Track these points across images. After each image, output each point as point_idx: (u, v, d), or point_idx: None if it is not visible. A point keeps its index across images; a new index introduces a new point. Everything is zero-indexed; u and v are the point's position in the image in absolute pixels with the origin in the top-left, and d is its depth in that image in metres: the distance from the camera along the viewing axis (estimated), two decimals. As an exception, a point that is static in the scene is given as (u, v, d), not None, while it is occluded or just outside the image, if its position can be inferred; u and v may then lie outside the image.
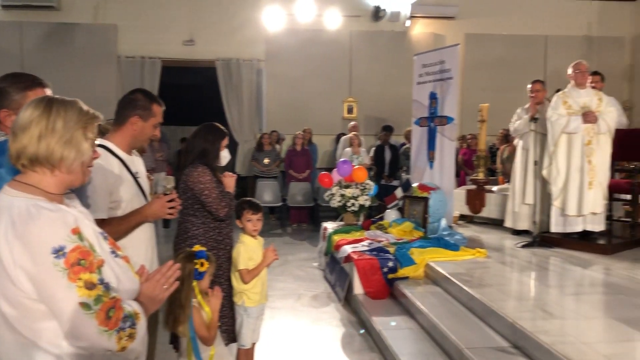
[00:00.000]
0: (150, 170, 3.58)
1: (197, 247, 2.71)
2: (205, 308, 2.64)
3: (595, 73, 6.86)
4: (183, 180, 3.33)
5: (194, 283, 2.61)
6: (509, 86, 10.45)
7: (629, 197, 6.26)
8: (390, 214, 6.80)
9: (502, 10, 11.49)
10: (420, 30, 11.63)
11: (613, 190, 6.04)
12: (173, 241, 3.46)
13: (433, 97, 6.82)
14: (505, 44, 11.51)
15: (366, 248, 5.69)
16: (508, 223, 6.56)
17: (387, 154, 9.81)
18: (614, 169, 6.28)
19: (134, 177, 2.64)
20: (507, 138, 8.90)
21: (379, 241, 5.92)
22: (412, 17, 11.37)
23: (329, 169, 8.12)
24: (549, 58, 11.49)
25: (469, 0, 11.48)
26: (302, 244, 8.55)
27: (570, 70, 5.96)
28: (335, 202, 7.10)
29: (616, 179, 6.48)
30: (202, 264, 2.63)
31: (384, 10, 11.19)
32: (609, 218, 6.03)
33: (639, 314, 3.78)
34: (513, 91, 9.69)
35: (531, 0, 11.52)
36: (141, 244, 2.64)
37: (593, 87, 6.19)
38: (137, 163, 2.76)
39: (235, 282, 3.40)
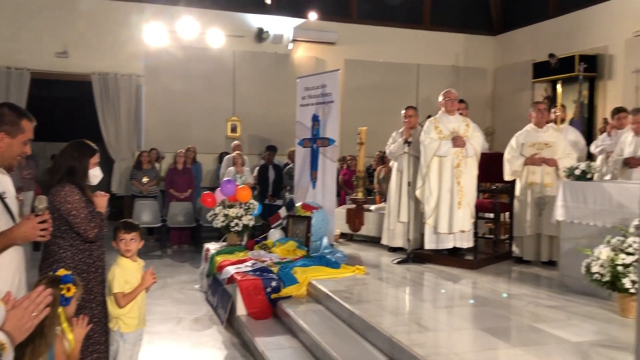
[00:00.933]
0: (18, 189, 3.32)
1: (62, 271, 2.54)
2: (69, 335, 2.48)
3: (461, 101, 7.44)
4: (49, 200, 3.13)
5: (60, 309, 2.44)
6: (385, 110, 10.98)
7: (491, 215, 6.81)
8: (274, 234, 6.83)
9: (378, 39, 12.12)
10: (302, 53, 11.92)
11: (478, 209, 6.54)
12: (38, 266, 3.21)
13: (315, 119, 7.01)
14: (382, 70, 12.11)
15: (250, 268, 5.66)
16: (384, 240, 6.87)
17: (271, 174, 9.87)
18: (479, 189, 6.81)
19: (1, 197, 2.44)
20: (383, 159, 9.34)
21: (263, 261, 5.92)
22: (294, 40, 11.64)
23: (213, 189, 8.01)
24: (421, 85, 12.27)
25: (347, 28, 11.99)
26: (183, 265, 8.31)
27: (440, 98, 6.40)
28: (219, 222, 7.00)
29: (480, 198, 7.03)
30: (68, 289, 2.47)
31: (267, 32, 11.35)
32: (475, 235, 6.51)
33: (501, 323, 4.12)
34: (389, 115, 10.20)
35: (404, 31, 12.27)
36: (7, 268, 2.44)
37: (461, 114, 6.71)
38: (5, 182, 2.55)
39: (111, 306, 3.24)
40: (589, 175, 4.96)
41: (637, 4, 8.67)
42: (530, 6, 12.00)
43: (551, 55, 10.17)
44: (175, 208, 9.58)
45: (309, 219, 6.42)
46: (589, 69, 9.62)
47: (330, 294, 4.84)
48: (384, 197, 8.00)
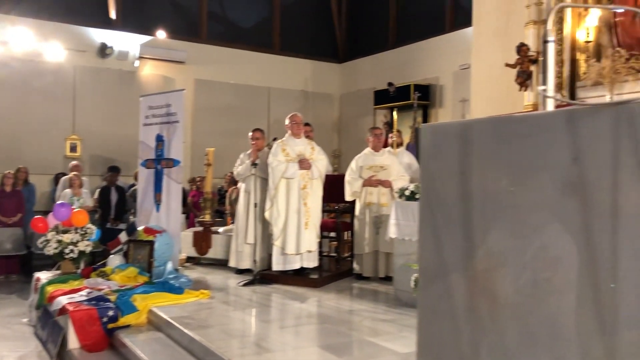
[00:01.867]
0: None
1: None
2: None
3: (306, 124, 7.70)
4: None
5: None
6: (237, 131, 10.97)
7: (334, 234, 7.09)
8: (114, 260, 6.47)
9: (229, 60, 12.15)
10: (150, 71, 11.56)
11: (323, 229, 6.76)
12: None
13: (160, 139, 6.81)
14: (233, 92, 12.13)
15: (84, 298, 5.29)
16: (232, 263, 6.83)
17: (114, 196, 9.37)
18: (324, 210, 7.05)
19: None
20: (234, 180, 9.31)
21: (100, 289, 5.57)
22: (141, 57, 11.25)
23: (48, 212, 7.39)
24: (272, 108, 12.48)
25: (197, 48, 11.86)
26: (10, 298, 7.54)
27: (287, 121, 6.57)
28: (51, 249, 6.47)
29: (325, 218, 7.28)
30: None
31: (111, 47, 10.85)
32: (320, 254, 6.72)
33: (340, 339, 4.27)
34: (241, 136, 10.17)
35: (256, 55, 12.44)
36: None
37: (307, 137, 6.93)
38: None
39: None
40: (417, 196, 5.37)
41: (462, 41, 9.62)
42: (373, 37, 12.80)
43: (390, 84, 10.90)
44: (2, 234, 8.70)
45: (151, 243, 6.18)
46: (423, 97, 10.44)
47: (170, 320, 4.68)
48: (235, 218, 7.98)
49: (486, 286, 1.27)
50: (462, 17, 10.01)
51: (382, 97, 11.37)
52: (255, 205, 6.46)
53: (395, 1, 12.20)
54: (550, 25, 1.52)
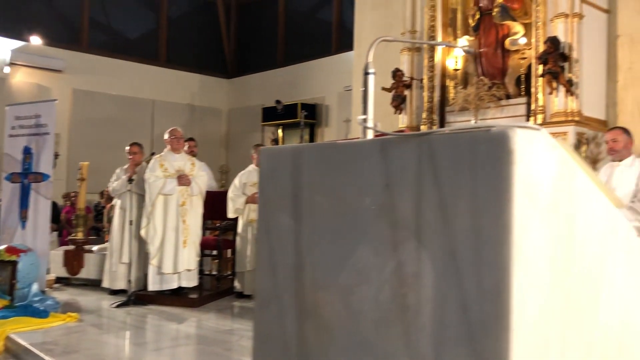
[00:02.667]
0: None
1: None
2: None
3: (190, 139, 7.57)
4: None
5: None
6: (118, 145, 10.44)
7: (216, 252, 6.99)
8: (-30, 282, 5.92)
9: (112, 71, 11.68)
10: (22, 79, 10.82)
11: (204, 247, 6.64)
12: None
13: (27, 152, 6.37)
14: (115, 103, 11.66)
15: None
16: (106, 283, 6.51)
17: (-24, 213, 8.61)
18: (205, 227, 6.93)
19: None
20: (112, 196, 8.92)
21: (-50, 315, 5.08)
22: (12, 64, 10.51)
23: None
24: (157, 121, 12.13)
25: (77, 56, 11.30)
26: None
27: (166, 136, 6.41)
28: None
29: (207, 236, 7.15)
30: None
31: (-23, 51, 10.05)
32: (201, 272, 6.58)
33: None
34: (123, 150, 9.82)
35: (140, 66, 12.06)
36: None
37: (191, 152, 6.81)
38: None
39: None
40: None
41: (347, 63, 9.95)
42: (262, 54, 12.89)
43: (278, 102, 11.02)
44: None
45: (14, 263, 5.73)
46: (310, 116, 10.65)
47: (29, 347, 4.36)
48: (111, 236, 7.62)
49: (314, 311, 1.31)
50: (346, 40, 10.36)
51: (270, 114, 11.46)
52: (131, 222, 6.22)
53: (284, 21, 12.40)
54: (371, 58, 1.62)
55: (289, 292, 1.34)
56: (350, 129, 8.93)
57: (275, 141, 10.99)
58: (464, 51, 2.81)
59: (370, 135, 1.53)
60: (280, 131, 11.41)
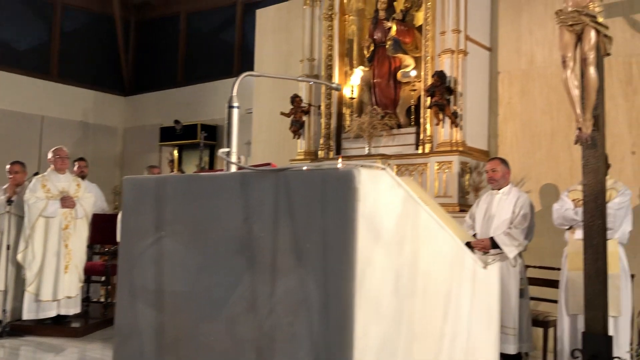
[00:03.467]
0: None
1: None
2: None
3: (80, 159, 7.22)
4: None
5: None
6: (1, 163, 9.83)
7: (104, 278, 6.66)
8: None
9: (-4, 83, 10.93)
10: None
11: (90, 272, 6.30)
12: None
13: None
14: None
15: None
16: (-23, 313, 5.98)
17: None
18: (92, 252, 6.59)
19: None
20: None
21: None
22: None
23: None
24: (45, 138, 11.44)
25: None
26: None
27: (50, 155, 6.07)
28: None
29: (95, 261, 6.81)
30: None
31: None
32: (88, 300, 6.24)
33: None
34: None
35: (28, 79, 11.38)
36: None
37: (81, 172, 6.48)
38: None
39: None
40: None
41: (248, 86, 9.95)
42: (161, 73, 12.60)
43: (177, 122, 10.79)
44: None
45: None
46: (210, 137, 10.47)
47: None
48: None
49: (174, 345, 1.28)
50: (248, 62, 10.37)
51: (169, 134, 11.19)
52: (8, 247, 5.79)
53: (185, 40, 12.22)
54: (235, 92, 1.63)
55: (150, 327, 1.30)
56: (251, 151, 8.90)
57: (173, 162, 10.72)
58: (331, 88, 2.89)
59: (233, 168, 1.54)
60: (176, 152, 11.16)
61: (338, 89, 2.86)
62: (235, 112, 1.61)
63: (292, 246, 1.12)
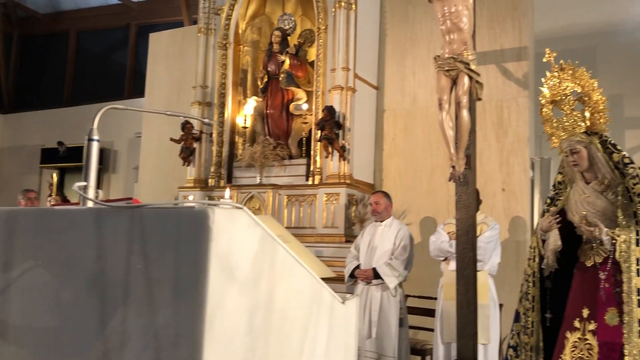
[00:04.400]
0: None
1: None
2: None
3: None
4: None
5: None
6: None
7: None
8: None
9: None
10: None
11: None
12: None
13: None
14: None
15: None
16: None
17: None
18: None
19: None
20: None
21: None
22: None
23: None
24: None
25: None
26: None
27: None
28: None
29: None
30: None
31: None
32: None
33: None
34: None
35: None
36: None
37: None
38: None
39: None
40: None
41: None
42: (45, 91, 11.95)
43: (60, 143, 10.24)
44: None
45: None
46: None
47: None
48: None
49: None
50: (140, 85, 10.11)
51: (51, 156, 10.59)
52: None
53: (74, 58, 11.71)
54: (96, 124, 1.61)
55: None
56: (139, 176, 8.61)
57: (52, 185, 10.10)
58: (203, 123, 2.91)
59: (90, 203, 1.49)
60: (55, 175, 10.54)
61: (210, 124, 2.87)
62: (95, 145, 1.57)
63: (144, 286, 1.11)
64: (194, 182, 6.90)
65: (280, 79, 6.76)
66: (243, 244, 1.16)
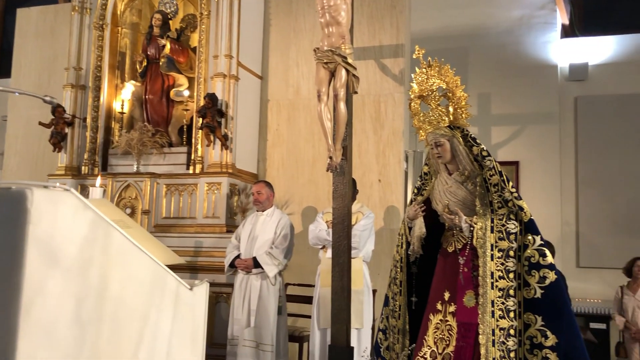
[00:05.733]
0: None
1: None
2: None
3: None
4: None
5: None
6: None
7: None
8: None
9: None
10: None
11: None
12: None
13: None
14: None
15: None
16: None
17: None
18: None
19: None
20: None
21: None
22: None
23: None
24: None
25: None
26: None
27: None
28: None
29: None
30: None
31: None
32: None
33: None
34: None
35: None
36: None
37: None
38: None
39: None
40: None
41: (3, 92, 8.92)
42: None
43: None
44: None
45: None
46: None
47: None
48: None
49: None
50: (6, 64, 9.33)
51: None
52: None
53: None
54: None
55: None
56: (4, 163, 7.95)
57: None
58: (45, 101, 2.73)
59: None
60: None
61: (52, 103, 2.67)
62: None
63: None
64: (65, 170, 6.49)
65: (161, 63, 6.52)
66: (69, 228, 1.09)
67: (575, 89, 7.30)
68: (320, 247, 5.14)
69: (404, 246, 3.74)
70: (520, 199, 3.28)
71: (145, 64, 6.61)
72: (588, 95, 7.23)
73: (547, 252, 3.19)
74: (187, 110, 6.43)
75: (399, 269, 3.77)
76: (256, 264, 5.13)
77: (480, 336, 3.18)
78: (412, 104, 3.70)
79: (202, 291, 1.43)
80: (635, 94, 7.05)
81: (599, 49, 7.27)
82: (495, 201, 3.33)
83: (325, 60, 4.33)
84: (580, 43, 7.28)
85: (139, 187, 6.12)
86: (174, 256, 1.96)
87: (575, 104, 7.29)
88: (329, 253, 4.87)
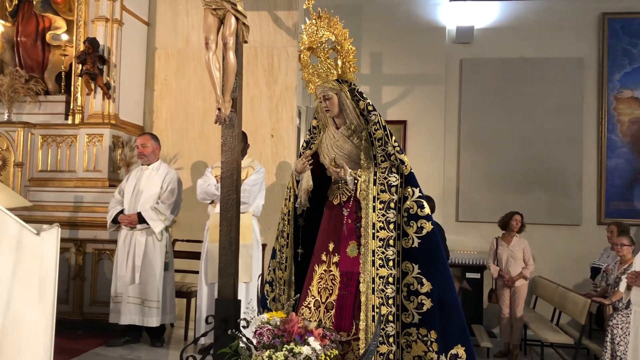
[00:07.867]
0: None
1: None
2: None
3: None
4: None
5: None
6: None
7: None
8: None
9: None
10: None
11: None
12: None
13: None
14: None
15: None
16: None
17: None
18: None
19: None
20: None
21: None
22: None
23: None
24: None
25: None
26: None
27: None
28: None
29: None
30: None
31: None
32: None
33: None
34: None
35: None
36: None
37: None
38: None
39: None
40: None
41: None
42: None
43: None
44: None
45: None
46: None
47: None
48: None
49: None
50: None
51: None
52: None
53: None
54: None
55: None
56: None
57: None
58: None
59: None
60: None
61: None
62: None
63: None
64: None
65: (35, 3, 5.96)
66: None
67: (461, 52, 7.59)
68: (209, 202, 5.04)
69: (292, 199, 3.74)
70: (402, 152, 3.37)
71: (16, 2, 6.01)
72: (473, 58, 7.55)
73: (425, 203, 3.32)
74: (65, 55, 5.96)
75: (286, 222, 3.78)
76: (141, 219, 4.96)
77: (361, 284, 3.28)
78: (302, 56, 3.65)
79: (51, 236, 1.32)
80: (514, 58, 7.46)
81: (485, 14, 7.58)
82: (379, 155, 3.40)
83: (213, 6, 4.14)
84: (468, 7, 7.53)
85: (11, 138, 5.65)
86: (20, 198, 1.80)
87: (460, 66, 7.59)
88: (217, 208, 4.78)
